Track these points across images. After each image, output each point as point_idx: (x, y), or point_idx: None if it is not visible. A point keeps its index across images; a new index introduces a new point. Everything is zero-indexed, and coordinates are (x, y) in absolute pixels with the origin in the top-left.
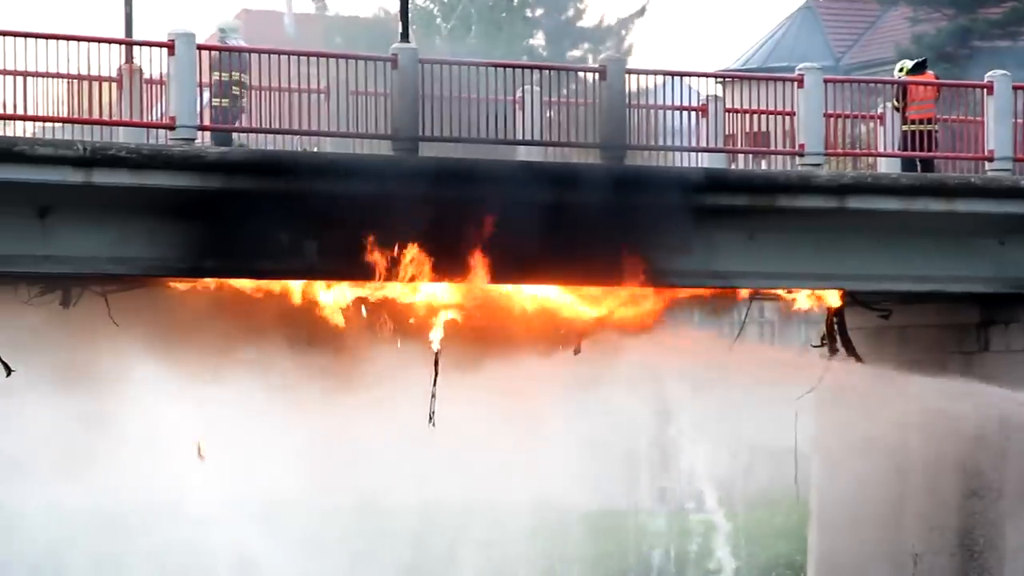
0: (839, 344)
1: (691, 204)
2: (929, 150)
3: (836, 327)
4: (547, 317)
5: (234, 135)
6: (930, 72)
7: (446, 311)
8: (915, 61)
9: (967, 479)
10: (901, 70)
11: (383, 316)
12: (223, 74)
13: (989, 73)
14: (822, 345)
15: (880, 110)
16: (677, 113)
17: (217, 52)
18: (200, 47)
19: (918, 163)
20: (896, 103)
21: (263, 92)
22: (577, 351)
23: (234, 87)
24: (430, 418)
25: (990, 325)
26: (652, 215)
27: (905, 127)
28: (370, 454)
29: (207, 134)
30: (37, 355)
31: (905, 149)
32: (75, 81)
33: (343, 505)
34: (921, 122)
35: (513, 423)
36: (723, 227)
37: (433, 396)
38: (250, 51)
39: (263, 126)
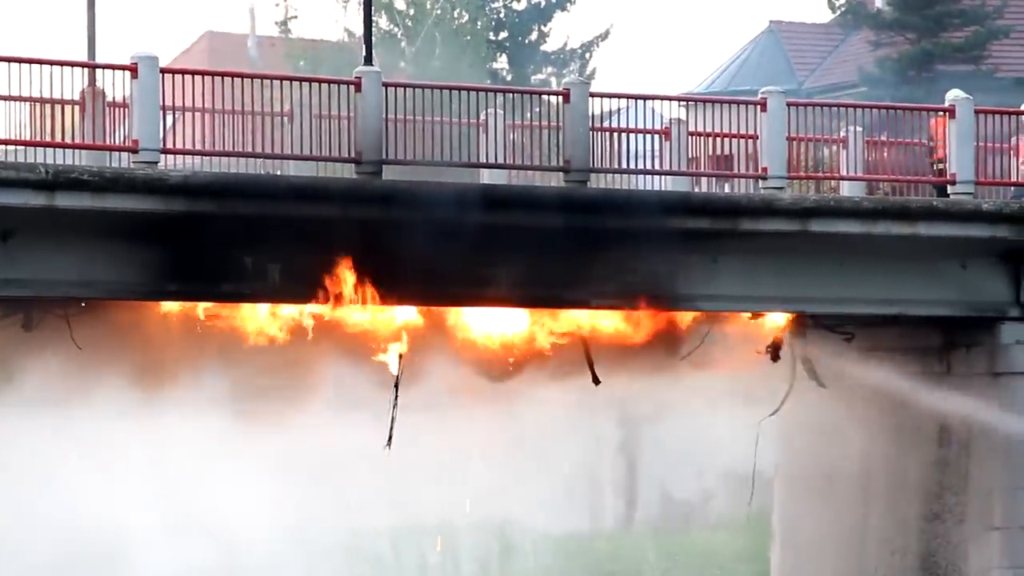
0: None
1: (653, 227)
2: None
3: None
4: (508, 340)
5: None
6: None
7: (407, 334)
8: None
9: (929, 502)
10: None
11: (344, 339)
12: None
13: (951, 97)
14: (767, 353)
15: (843, 133)
16: (641, 136)
17: None
18: (163, 70)
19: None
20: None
21: (226, 115)
22: (596, 381)
23: None
24: (388, 441)
25: (952, 348)
26: (615, 238)
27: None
28: (331, 477)
29: (171, 157)
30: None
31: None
32: (38, 104)
33: (307, 528)
34: (940, 161)
35: (474, 446)
36: (686, 250)
37: (392, 420)
38: (214, 74)
39: (226, 149)
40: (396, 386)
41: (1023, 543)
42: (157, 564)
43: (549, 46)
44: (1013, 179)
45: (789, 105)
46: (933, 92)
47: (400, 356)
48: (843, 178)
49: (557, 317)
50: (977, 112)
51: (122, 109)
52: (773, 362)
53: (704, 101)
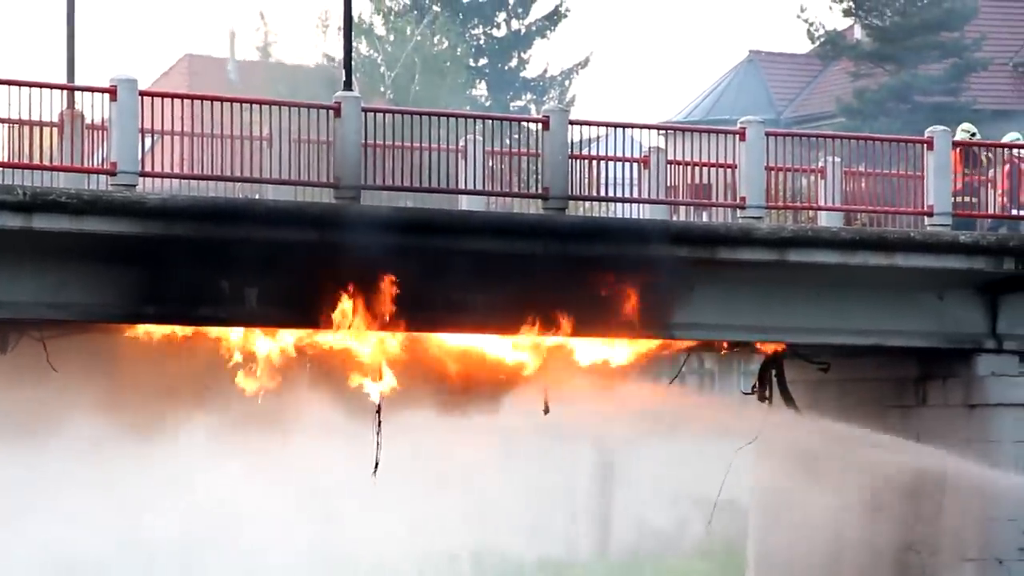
0: (769, 393)
1: (631, 256)
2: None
3: (775, 378)
4: (487, 366)
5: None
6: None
7: (387, 360)
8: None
9: (904, 533)
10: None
11: (323, 365)
12: None
13: (929, 128)
14: (752, 392)
15: (821, 164)
16: (620, 164)
17: None
18: (142, 93)
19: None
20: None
21: (205, 139)
22: (546, 410)
23: None
24: (375, 469)
25: (928, 380)
26: (593, 266)
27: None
28: (313, 504)
29: (149, 180)
30: None
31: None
32: (16, 126)
33: (290, 551)
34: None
35: (454, 472)
36: (663, 278)
37: (377, 447)
38: (193, 97)
39: (205, 173)
40: (379, 413)
41: (997, 575)
42: None
43: (529, 73)
44: (990, 211)
45: (768, 135)
46: (911, 123)
47: (381, 384)
48: (821, 208)
49: (532, 344)
50: (954, 144)
51: (101, 131)
52: (749, 391)
53: (683, 130)
